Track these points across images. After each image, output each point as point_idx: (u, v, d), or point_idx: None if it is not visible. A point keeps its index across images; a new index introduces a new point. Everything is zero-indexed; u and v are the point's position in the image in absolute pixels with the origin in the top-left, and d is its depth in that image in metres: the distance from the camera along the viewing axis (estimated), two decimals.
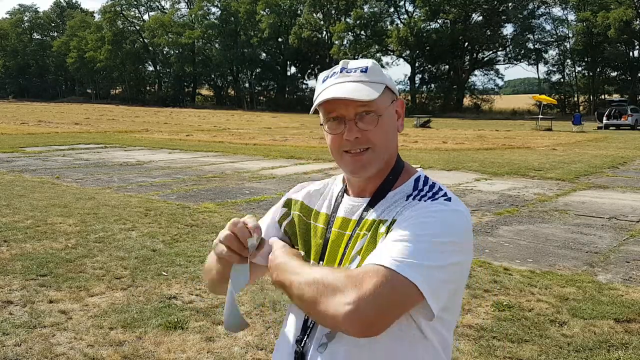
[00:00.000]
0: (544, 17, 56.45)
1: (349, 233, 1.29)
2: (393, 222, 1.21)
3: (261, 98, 69.74)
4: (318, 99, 1.26)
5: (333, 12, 61.27)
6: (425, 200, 1.23)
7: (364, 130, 1.24)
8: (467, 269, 1.25)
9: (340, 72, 1.27)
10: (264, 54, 69.47)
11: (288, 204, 1.45)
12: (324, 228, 1.35)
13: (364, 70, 1.26)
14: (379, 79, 1.26)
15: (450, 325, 1.26)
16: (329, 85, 1.26)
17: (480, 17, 56.80)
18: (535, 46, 55.72)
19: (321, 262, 1.31)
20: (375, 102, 1.23)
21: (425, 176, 1.32)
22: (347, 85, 1.24)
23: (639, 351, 3.67)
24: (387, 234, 1.19)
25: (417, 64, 59.63)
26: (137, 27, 76.98)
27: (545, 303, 4.50)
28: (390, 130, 1.28)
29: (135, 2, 77.55)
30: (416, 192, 1.27)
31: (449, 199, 1.23)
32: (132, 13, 78.50)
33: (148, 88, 79.74)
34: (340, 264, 1.26)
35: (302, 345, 1.28)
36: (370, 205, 1.29)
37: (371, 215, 1.27)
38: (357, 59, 1.35)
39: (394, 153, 1.32)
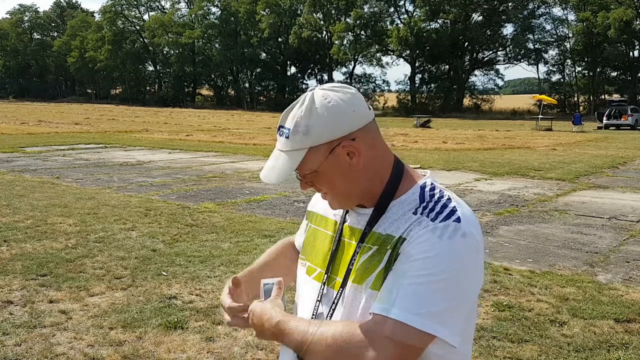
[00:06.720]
0: (544, 17, 56.59)
1: (355, 243, 1.24)
2: (401, 239, 1.15)
3: (261, 98, 69.72)
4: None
5: (333, 12, 61.25)
6: (433, 220, 1.13)
7: (310, 183, 1.23)
8: (478, 291, 1.19)
9: (279, 130, 1.23)
10: (264, 54, 69.45)
11: (308, 216, 1.45)
12: (332, 236, 1.32)
13: (287, 134, 1.17)
14: (299, 144, 1.16)
15: (469, 337, 1.22)
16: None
17: (480, 17, 56.87)
18: (535, 46, 55.77)
19: (327, 275, 1.28)
20: (301, 167, 1.18)
21: (432, 183, 1.24)
22: (271, 161, 1.23)
23: (639, 351, 3.67)
24: (394, 258, 1.13)
25: (417, 64, 59.62)
26: (137, 27, 76.95)
27: (545, 303, 4.50)
28: (338, 177, 1.18)
29: (135, 2, 77.54)
30: (424, 204, 1.18)
31: (458, 219, 1.12)
32: (132, 13, 78.52)
33: (148, 88, 79.74)
34: (347, 276, 1.23)
35: None
36: (375, 216, 1.23)
37: (378, 229, 1.21)
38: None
39: (370, 181, 1.21)
